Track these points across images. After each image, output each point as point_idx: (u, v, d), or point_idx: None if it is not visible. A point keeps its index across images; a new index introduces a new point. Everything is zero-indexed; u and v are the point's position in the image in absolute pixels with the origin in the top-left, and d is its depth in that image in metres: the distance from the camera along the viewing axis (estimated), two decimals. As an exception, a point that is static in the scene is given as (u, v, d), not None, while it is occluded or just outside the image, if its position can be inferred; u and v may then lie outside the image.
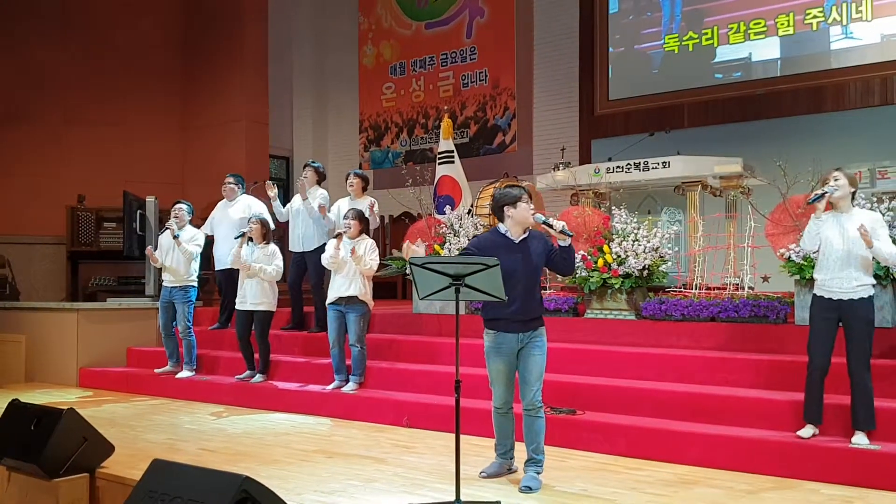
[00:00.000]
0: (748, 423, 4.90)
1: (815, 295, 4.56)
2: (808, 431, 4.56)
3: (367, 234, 6.66)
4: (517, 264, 4.27)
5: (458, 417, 4.01)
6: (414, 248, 7.30)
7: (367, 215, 6.74)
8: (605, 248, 6.42)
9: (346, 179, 7.49)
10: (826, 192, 4.46)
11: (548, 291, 7.06)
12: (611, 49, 10.78)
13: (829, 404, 4.57)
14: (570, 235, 4.30)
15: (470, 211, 7.97)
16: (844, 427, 4.51)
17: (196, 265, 7.62)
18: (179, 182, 11.25)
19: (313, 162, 7.82)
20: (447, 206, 7.76)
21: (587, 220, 6.69)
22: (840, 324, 4.46)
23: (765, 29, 9.62)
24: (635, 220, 6.51)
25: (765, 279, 6.16)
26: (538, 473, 4.35)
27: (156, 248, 7.71)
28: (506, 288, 4.05)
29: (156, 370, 7.76)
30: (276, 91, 12.15)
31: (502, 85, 11.56)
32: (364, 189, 7.48)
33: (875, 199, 5.37)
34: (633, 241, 6.31)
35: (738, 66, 9.76)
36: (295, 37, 13.43)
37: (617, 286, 6.36)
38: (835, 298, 4.43)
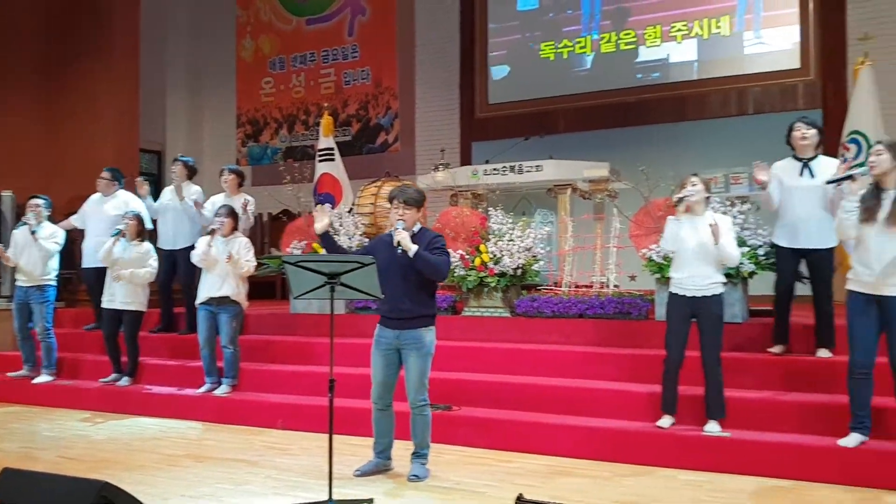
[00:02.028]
0: (613, 414, 5.15)
1: (670, 293, 4.84)
2: (666, 422, 4.84)
3: (239, 231, 6.51)
4: (392, 263, 4.32)
5: (331, 416, 4.02)
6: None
7: (240, 214, 6.61)
8: (482, 247, 6.57)
9: (221, 175, 7.29)
10: (685, 196, 4.75)
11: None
12: (491, 53, 11.03)
13: (685, 395, 4.86)
14: (409, 249, 4.25)
15: (351, 209, 7.95)
16: (699, 416, 4.81)
17: (55, 263, 7.22)
18: (42, 177, 10.63)
19: (182, 157, 7.56)
20: (326, 205, 7.69)
21: (465, 220, 6.83)
22: (693, 319, 4.76)
23: (635, 40, 10.10)
24: (511, 220, 6.69)
25: (632, 278, 6.46)
26: (424, 464, 4.43)
27: (7, 247, 7.25)
28: (383, 286, 4.09)
29: (9, 374, 7.32)
30: (148, 83, 11.69)
31: (385, 84, 11.60)
32: (240, 185, 7.30)
33: (729, 203, 5.76)
34: (509, 241, 6.49)
35: (612, 75, 10.19)
36: (170, 28, 12.97)
37: (493, 285, 6.52)
38: (689, 295, 4.72)
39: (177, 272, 7.23)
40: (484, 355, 6.08)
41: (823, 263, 5.11)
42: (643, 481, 4.41)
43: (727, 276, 5.54)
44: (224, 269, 6.23)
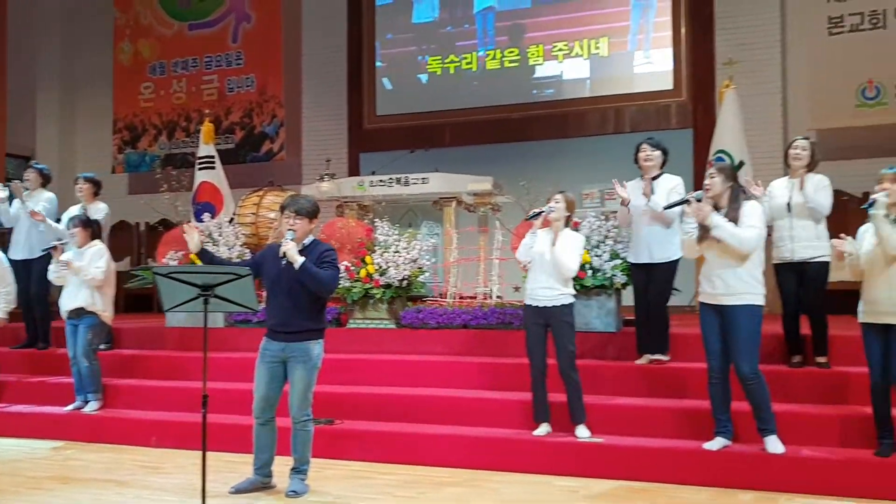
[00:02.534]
0: (495, 423, 5.25)
1: (525, 304, 5.00)
2: (542, 430, 4.97)
3: (100, 238, 6.24)
4: (281, 275, 4.25)
5: (204, 432, 3.91)
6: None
7: (100, 219, 6.36)
8: (368, 259, 6.56)
9: (75, 184, 6.94)
10: (543, 211, 4.91)
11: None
12: (379, 64, 11.05)
13: (558, 402, 5.00)
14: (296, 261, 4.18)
15: (231, 219, 7.76)
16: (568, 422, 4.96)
17: None
18: None
19: (36, 163, 7.23)
20: (206, 214, 7.49)
21: (351, 231, 6.81)
22: (548, 328, 4.92)
23: (518, 58, 10.36)
24: (397, 232, 6.72)
25: (516, 289, 6.60)
26: (303, 480, 4.37)
27: None
28: (269, 297, 4.02)
29: None
30: (16, 84, 11.05)
31: (270, 92, 11.40)
32: (96, 194, 6.98)
33: (603, 217, 6.00)
34: (395, 253, 6.51)
35: (498, 91, 10.40)
36: (40, 28, 12.31)
37: (378, 296, 6.51)
38: (541, 305, 4.89)
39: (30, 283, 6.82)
40: (369, 367, 6.06)
41: (659, 275, 5.36)
42: (521, 488, 4.51)
43: (602, 286, 5.79)
44: (77, 279, 5.96)
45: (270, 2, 11.35)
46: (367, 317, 6.61)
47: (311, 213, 4.37)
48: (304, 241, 4.33)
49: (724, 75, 8.57)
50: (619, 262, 5.79)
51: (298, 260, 4.19)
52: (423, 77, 10.83)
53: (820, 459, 4.41)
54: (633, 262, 5.49)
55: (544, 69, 10.22)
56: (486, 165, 8.27)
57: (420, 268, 6.59)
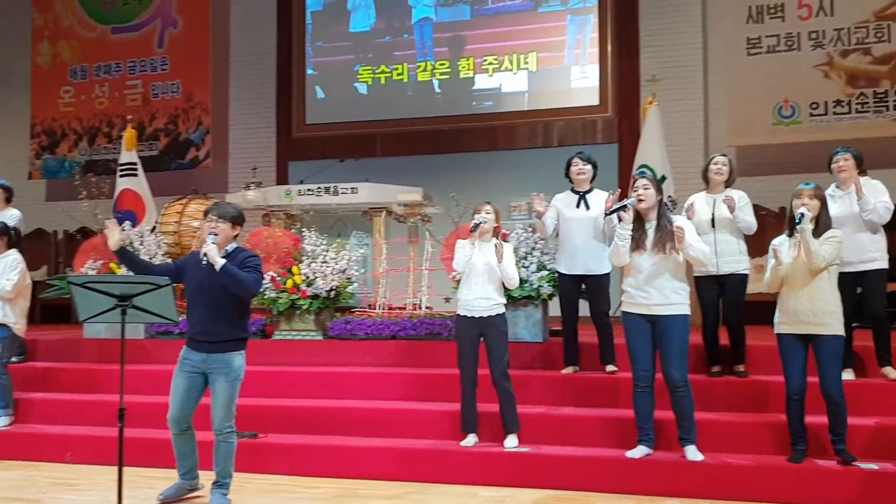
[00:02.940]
0: (422, 434, 5.23)
1: (458, 314, 5.01)
2: (470, 441, 4.97)
3: (19, 247, 5.99)
4: (203, 283, 4.15)
5: (121, 447, 3.80)
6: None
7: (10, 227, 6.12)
8: (295, 269, 6.47)
9: None
10: (480, 223, 4.95)
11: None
12: (311, 72, 10.96)
13: (486, 413, 5.02)
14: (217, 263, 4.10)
15: (154, 228, 7.56)
16: (500, 433, 4.98)
17: None
18: None
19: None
20: (127, 222, 7.26)
21: (277, 241, 6.71)
22: (481, 338, 4.94)
23: (450, 70, 10.43)
24: (325, 242, 6.65)
25: (446, 300, 6.60)
26: (225, 494, 4.26)
27: None
28: (190, 306, 3.92)
29: None
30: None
31: (196, 99, 11.17)
32: (8, 200, 6.73)
33: (530, 229, 6.07)
34: (322, 263, 6.44)
35: (429, 103, 10.43)
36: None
37: (305, 307, 6.43)
38: (476, 316, 4.91)
39: None
40: (294, 380, 5.97)
41: (600, 287, 5.48)
42: (447, 500, 4.50)
43: (528, 297, 5.85)
44: (-15, 290, 5.72)
45: (198, 7, 11.15)
46: (294, 328, 6.51)
47: (235, 218, 4.30)
48: (227, 248, 4.25)
49: (648, 92, 8.80)
50: (545, 273, 5.86)
51: (219, 261, 4.09)
52: (358, 87, 10.78)
53: (738, 466, 4.53)
54: (566, 272, 5.54)
55: (483, 81, 10.29)
56: (417, 176, 8.29)
57: (349, 278, 6.53)
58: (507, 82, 10.20)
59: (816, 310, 4.35)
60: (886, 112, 8.70)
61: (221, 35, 11.25)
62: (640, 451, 4.65)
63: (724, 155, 5.53)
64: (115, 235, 4.25)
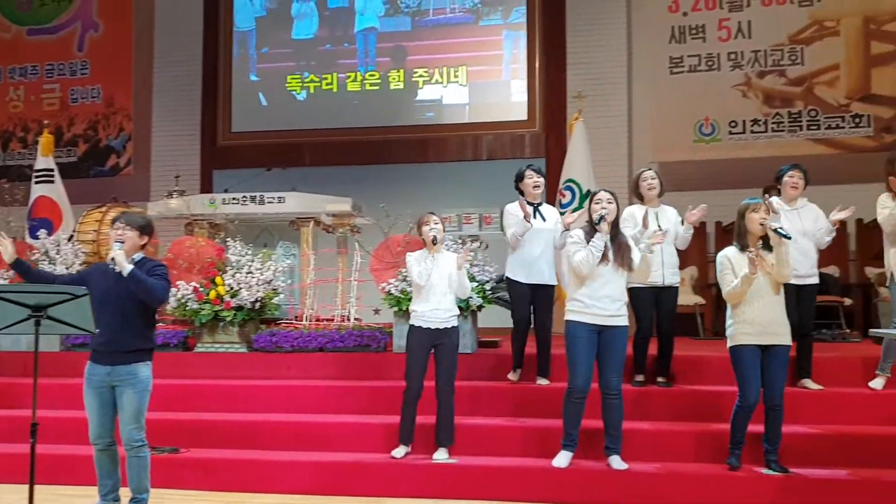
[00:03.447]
0: (350, 447, 5.17)
1: (412, 325, 4.99)
2: (400, 451, 4.95)
3: None
4: (109, 292, 4.03)
5: (32, 465, 3.63)
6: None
7: None
8: (219, 279, 6.34)
9: None
10: (436, 236, 4.94)
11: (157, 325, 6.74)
12: (252, 78, 10.80)
13: (419, 425, 5.00)
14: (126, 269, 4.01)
15: (71, 237, 7.29)
16: (431, 445, 4.97)
17: None
18: None
19: None
20: (42, 231, 7.00)
21: (201, 250, 6.58)
22: (432, 350, 4.94)
23: (379, 81, 10.43)
24: (250, 252, 6.54)
25: (376, 312, 6.57)
26: (141, 513, 4.13)
27: None
28: (97, 317, 3.79)
29: None
30: None
31: (117, 104, 10.86)
32: None
33: (460, 241, 6.11)
34: (247, 274, 6.33)
35: (361, 114, 10.40)
36: None
37: (229, 319, 6.30)
38: (432, 327, 4.90)
39: None
40: (217, 393, 5.84)
41: (549, 297, 5.57)
42: (375, 513, 4.46)
43: (460, 308, 5.86)
44: None
45: (121, 10, 10.86)
46: (217, 340, 6.38)
47: (143, 228, 4.22)
48: (134, 258, 4.14)
49: (574, 108, 8.99)
50: (475, 284, 5.90)
51: (127, 267, 4.00)
52: (286, 94, 10.66)
53: (663, 474, 4.63)
54: (522, 280, 5.54)
55: (427, 93, 10.30)
56: (347, 187, 8.25)
57: (275, 289, 6.44)
58: (448, 94, 10.24)
59: (778, 320, 4.48)
60: (800, 131, 9.10)
61: (145, 40, 10.98)
62: (564, 457, 4.70)
63: (650, 169, 5.68)
64: (8, 247, 4.11)
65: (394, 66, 10.41)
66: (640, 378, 5.55)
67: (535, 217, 5.50)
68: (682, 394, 5.38)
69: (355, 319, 6.61)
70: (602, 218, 4.61)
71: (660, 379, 5.53)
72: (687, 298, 7.96)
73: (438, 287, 4.91)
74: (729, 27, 9.34)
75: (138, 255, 4.18)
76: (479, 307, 5.99)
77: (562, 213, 5.87)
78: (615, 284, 4.63)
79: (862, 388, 5.32)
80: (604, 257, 4.60)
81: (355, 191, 7.70)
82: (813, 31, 9.16)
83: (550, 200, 5.92)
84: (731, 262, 4.54)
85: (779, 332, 4.47)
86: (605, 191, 4.78)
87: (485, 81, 10.19)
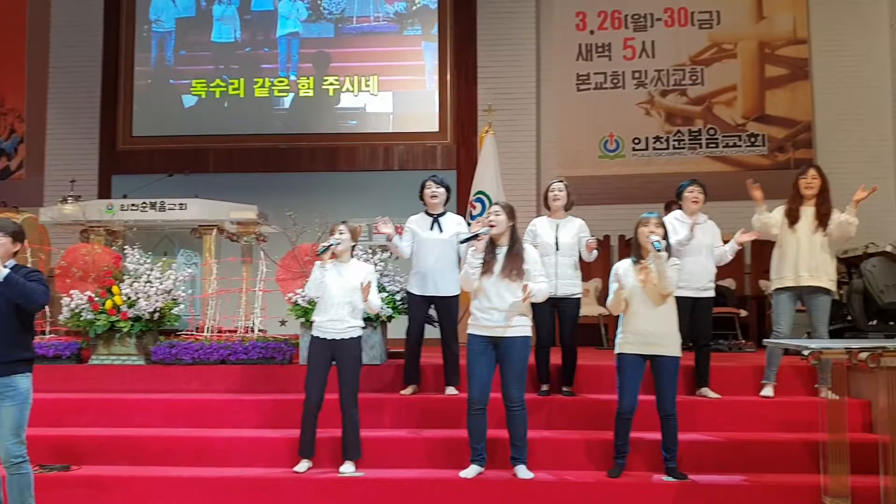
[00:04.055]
0: (252, 462, 5.03)
1: (312, 336, 4.92)
2: (303, 466, 4.85)
3: None
4: None
5: None
6: None
7: None
8: (115, 289, 6.11)
9: None
10: (332, 244, 4.88)
11: (47, 336, 6.44)
12: (137, 83, 10.47)
13: (322, 438, 4.92)
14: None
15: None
16: (336, 458, 4.89)
17: None
18: None
19: None
20: None
21: (97, 258, 6.33)
22: (333, 362, 4.88)
23: (288, 87, 10.30)
24: (150, 260, 6.33)
25: (282, 323, 6.44)
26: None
27: None
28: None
29: None
30: None
31: (9, 105, 10.37)
32: None
33: (371, 251, 6.07)
34: (146, 283, 6.12)
35: (266, 120, 10.25)
36: None
37: (126, 330, 6.07)
38: (329, 338, 4.84)
39: None
40: (113, 407, 5.59)
41: (450, 308, 5.58)
42: (278, 529, 4.35)
43: (367, 319, 5.83)
44: None
45: (14, 8, 10.37)
46: (113, 352, 6.13)
47: (15, 234, 4.11)
48: (7, 264, 3.97)
49: (485, 121, 9.10)
50: (385, 294, 5.87)
51: (3, 271, 3.85)
52: (186, 99, 10.41)
53: (566, 482, 4.70)
54: (417, 293, 5.57)
55: (349, 100, 10.24)
56: (253, 194, 8.09)
57: (174, 299, 6.24)
58: (372, 103, 10.23)
59: (662, 332, 4.61)
60: (700, 149, 9.51)
61: (40, 40, 10.52)
62: (472, 471, 4.71)
63: (561, 181, 5.78)
64: None
65: (316, 72, 10.30)
66: (545, 388, 5.63)
67: (431, 229, 5.55)
68: (584, 403, 5.47)
69: (260, 331, 6.46)
70: (476, 236, 4.67)
71: (565, 388, 5.62)
72: (591, 309, 8.17)
73: (337, 297, 4.85)
74: (634, 46, 9.68)
75: (11, 262, 4.03)
76: (389, 318, 5.96)
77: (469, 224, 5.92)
78: (503, 296, 4.63)
79: (755, 396, 5.55)
80: (489, 270, 4.63)
81: (262, 199, 7.56)
82: (712, 52, 9.61)
83: (462, 212, 5.94)
84: (618, 274, 4.73)
85: (663, 343, 4.61)
86: (498, 203, 4.85)
87: (406, 91, 10.22)
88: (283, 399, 5.58)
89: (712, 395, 5.50)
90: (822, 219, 5.35)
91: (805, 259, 5.33)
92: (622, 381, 4.67)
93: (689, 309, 5.28)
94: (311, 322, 5.02)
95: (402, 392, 5.63)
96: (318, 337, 4.87)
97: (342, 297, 4.85)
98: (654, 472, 4.76)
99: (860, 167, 9.37)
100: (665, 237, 4.65)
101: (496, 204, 4.85)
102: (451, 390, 5.62)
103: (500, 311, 4.60)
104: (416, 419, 5.43)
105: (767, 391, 5.50)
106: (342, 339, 4.83)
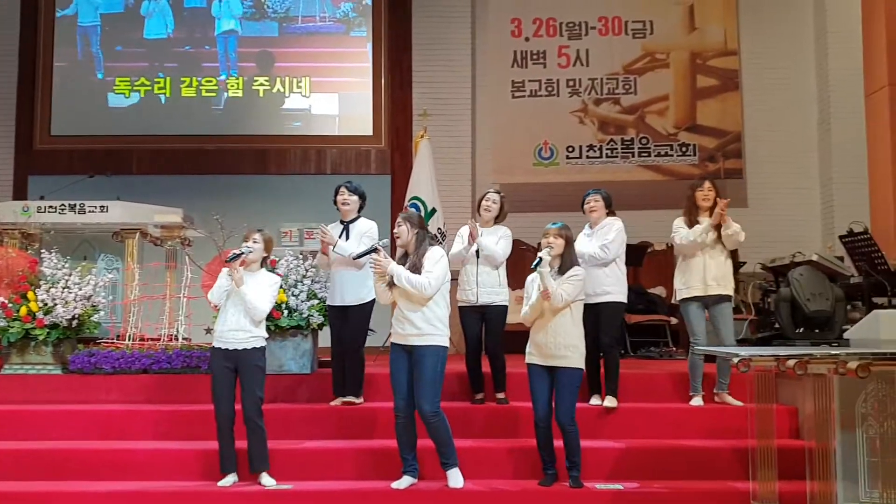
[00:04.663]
0: (177, 476, 4.90)
1: (213, 346, 4.82)
2: (228, 480, 4.73)
3: None
4: None
5: None
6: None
7: None
8: (31, 294, 5.89)
9: None
10: (242, 253, 4.79)
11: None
12: (99, 76, 10.14)
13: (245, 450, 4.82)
14: None
15: None
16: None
17: None
18: None
19: None
20: None
21: (11, 262, 6.11)
22: (236, 372, 4.77)
23: (216, 87, 10.13)
24: (68, 265, 6.13)
25: (207, 331, 6.29)
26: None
27: None
28: None
29: None
30: None
31: (-84, 100, 9.91)
32: None
33: (301, 257, 6.00)
34: (64, 289, 5.92)
35: (196, 120, 10.03)
36: None
37: (42, 338, 5.87)
38: (230, 348, 4.74)
39: None
40: (28, 419, 5.39)
41: (357, 318, 5.51)
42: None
43: (299, 327, 5.76)
44: None
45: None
46: (28, 361, 5.92)
47: None
48: None
49: (420, 126, 9.10)
50: (316, 301, 5.81)
51: None
52: (110, 99, 10.12)
53: (497, 491, 4.72)
54: (330, 304, 5.56)
55: (294, 102, 10.13)
56: (178, 197, 7.93)
57: (94, 306, 6.06)
58: (313, 105, 10.16)
59: (558, 343, 4.69)
60: (632, 158, 9.71)
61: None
62: (405, 482, 4.69)
63: (497, 192, 5.81)
64: None
65: (259, 71, 10.15)
66: (479, 396, 5.65)
67: (341, 236, 5.51)
68: (518, 411, 5.48)
69: (184, 339, 6.31)
70: (374, 248, 4.75)
71: (498, 395, 5.65)
72: (518, 317, 8.19)
73: (236, 306, 4.77)
74: (568, 54, 9.84)
75: None
76: (320, 325, 5.89)
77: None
78: (413, 305, 4.62)
79: (684, 403, 5.66)
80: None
81: (188, 202, 7.42)
82: (645, 62, 9.84)
83: (397, 217, 5.83)
84: (527, 286, 4.89)
85: (559, 355, 4.69)
86: (402, 216, 4.86)
87: (351, 93, 10.17)
88: (209, 410, 5.38)
89: (611, 403, 5.43)
90: (718, 230, 5.54)
91: (712, 269, 5.54)
92: (531, 391, 4.79)
93: (591, 317, 5.24)
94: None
95: (332, 403, 5.56)
96: (218, 348, 4.78)
97: (234, 305, 4.77)
98: (589, 481, 4.80)
99: (787, 178, 9.76)
100: (569, 246, 4.78)
101: (401, 216, 4.85)
102: (350, 399, 5.55)
103: (409, 321, 4.61)
104: (345, 429, 5.36)
105: (697, 401, 5.60)
106: (244, 349, 4.76)
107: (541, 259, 4.66)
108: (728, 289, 5.59)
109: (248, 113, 10.12)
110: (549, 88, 9.85)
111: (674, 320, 8.50)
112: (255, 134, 10.07)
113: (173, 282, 6.62)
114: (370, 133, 10.11)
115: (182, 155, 9.92)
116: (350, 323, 5.50)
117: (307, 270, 5.93)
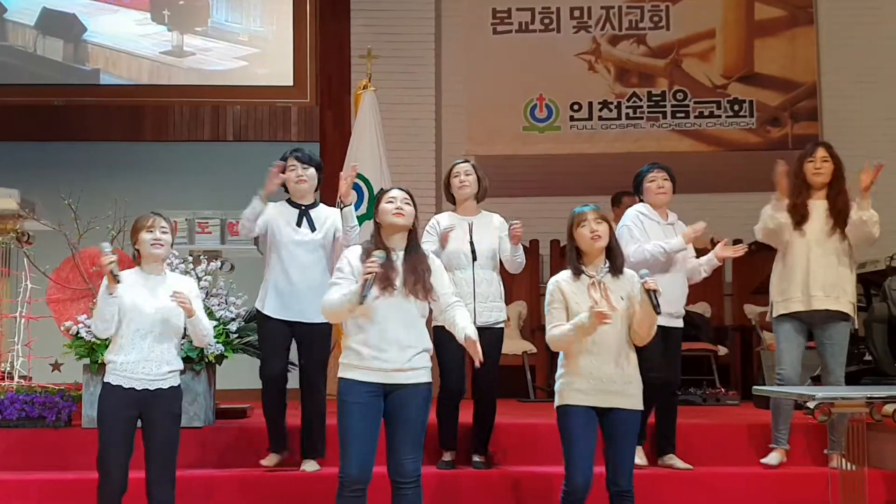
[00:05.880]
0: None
1: (107, 383, 4.73)
2: None
3: None
4: None
5: None
6: None
7: None
8: None
9: None
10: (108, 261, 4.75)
11: None
12: None
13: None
14: None
15: None
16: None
17: None
18: None
19: None
20: None
21: None
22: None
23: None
24: None
25: (55, 367, 6.27)
26: None
27: None
28: None
29: None
30: None
31: None
32: None
33: (191, 259, 5.98)
34: None
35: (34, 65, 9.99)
36: None
37: None
38: (137, 388, 4.67)
39: None
40: None
41: (314, 341, 5.53)
42: None
43: (188, 359, 5.73)
44: None
45: None
46: None
47: None
48: None
49: (362, 73, 9.08)
50: (214, 323, 5.78)
51: None
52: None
53: None
54: (275, 316, 5.52)
55: (174, 38, 10.20)
56: (12, 173, 7.89)
57: None
58: (196, 45, 10.21)
59: (625, 377, 4.61)
60: (663, 120, 9.75)
61: None
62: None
63: (466, 161, 5.81)
64: None
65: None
66: (447, 458, 5.65)
67: (299, 225, 5.52)
68: (506, 478, 5.55)
69: (22, 377, 6.28)
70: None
71: (475, 458, 5.66)
72: (512, 345, 8.27)
73: (148, 327, 4.67)
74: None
75: None
76: (220, 357, 5.89)
77: None
78: (404, 323, 4.51)
79: (745, 466, 5.74)
80: (388, 286, 4.46)
81: (26, 180, 7.36)
82: (682, -17, 9.88)
83: (331, 201, 5.81)
84: (562, 294, 4.66)
85: (624, 393, 4.63)
86: (399, 189, 4.70)
87: (261, 28, 10.24)
88: (60, 479, 5.46)
89: (681, 465, 5.65)
90: (839, 216, 5.51)
91: (819, 273, 5.46)
92: (570, 445, 4.61)
93: (659, 344, 5.19)
94: (105, 363, 4.86)
95: (263, 462, 5.55)
96: (118, 386, 4.71)
97: (159, 325, 4.71)
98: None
99: (882, 148, 9.82)
100: (613, 236, 4.70)
101: (398, 189, 4.68)
102: (308, 465, 5.58)
103: (402, 347, 4.44)
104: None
105: (773, 458, 5.63)
106: (155, 390, 4.70)
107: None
108: (843, 303, 5.52)
109: (114, 57, 10.07)
110: (546, 21, 9.90)
111: (722, 350, 8.58)
112: (124, 84, 10.00)
113: (6, 295, 6.57)
114: (290, 83, 10.11)
115: (18, 114, 9.84)
116: (311, 348, 5.53)
117: (200, 279, 5.92)
